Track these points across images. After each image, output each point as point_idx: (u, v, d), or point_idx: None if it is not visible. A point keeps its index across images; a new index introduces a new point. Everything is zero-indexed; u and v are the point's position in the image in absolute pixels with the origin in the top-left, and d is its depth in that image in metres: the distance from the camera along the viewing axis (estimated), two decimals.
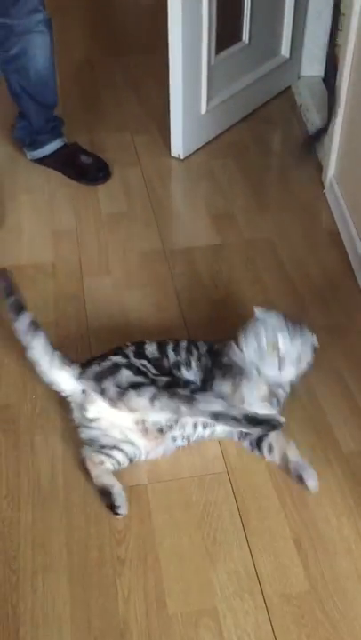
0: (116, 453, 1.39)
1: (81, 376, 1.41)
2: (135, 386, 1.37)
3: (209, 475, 1.42)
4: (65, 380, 1.43)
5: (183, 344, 1.51)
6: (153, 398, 1.35)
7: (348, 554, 1.30)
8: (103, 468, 1.37)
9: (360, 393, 1.60)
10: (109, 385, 1.37)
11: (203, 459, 1.46)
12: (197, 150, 2.49)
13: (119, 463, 1.39)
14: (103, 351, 1.50)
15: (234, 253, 2.04)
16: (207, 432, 1.44)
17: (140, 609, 1.21)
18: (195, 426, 1.42)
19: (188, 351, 1.49)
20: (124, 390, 1.36)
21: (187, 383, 1.41)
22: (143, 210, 2.22)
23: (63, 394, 1.45)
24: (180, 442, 1.44)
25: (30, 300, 1.84)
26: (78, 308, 1.83)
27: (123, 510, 1.32)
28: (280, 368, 1.41)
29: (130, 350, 1.46)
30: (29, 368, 1.49)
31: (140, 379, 1.39)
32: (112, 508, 1.33)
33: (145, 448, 1.42)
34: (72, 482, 1.40)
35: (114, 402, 1.37)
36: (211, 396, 1.37)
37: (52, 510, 1.35)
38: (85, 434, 1.41)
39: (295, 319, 1.46)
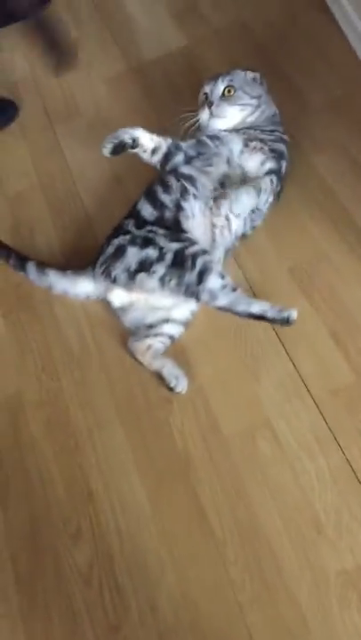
0: (165, 328, 1.33)
1: (95, 273, 1.36)
2: (144, 265, 1.30)
3: None
4: (85, 285, 1.38)
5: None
6: (162, 279, 1.28)
7: None
8: (150, 353, 1.32)
9: None
10: (119, 272, 1.31)
11: None
12: None
13: (172, 337, 1.34)
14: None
15: (206, 49, 1.82)
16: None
17: (197, 438, 1.24)
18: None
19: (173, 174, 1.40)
20: (133, 273, 1.30)
21: (195, 256, 1.28)
22: (97, 29, 1.98)
23: (93, 298, 1.40)
24: None
25: (7, 168, 1.74)
26: (59, 162, 1.71)
27: (180, 388, 1.28)
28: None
29: (130, 224, 1.36)
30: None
31: (148, 251, 1.30)
32: (169, 389, 1.29)
33: (194, 309, 1.36)
34: (102, 341, 1.39)
35: (128, 287, 1.32)
36: (220, 290, 1.28)
37: (90, 371, 1.36)
38: (127, 321, 1.36)
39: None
